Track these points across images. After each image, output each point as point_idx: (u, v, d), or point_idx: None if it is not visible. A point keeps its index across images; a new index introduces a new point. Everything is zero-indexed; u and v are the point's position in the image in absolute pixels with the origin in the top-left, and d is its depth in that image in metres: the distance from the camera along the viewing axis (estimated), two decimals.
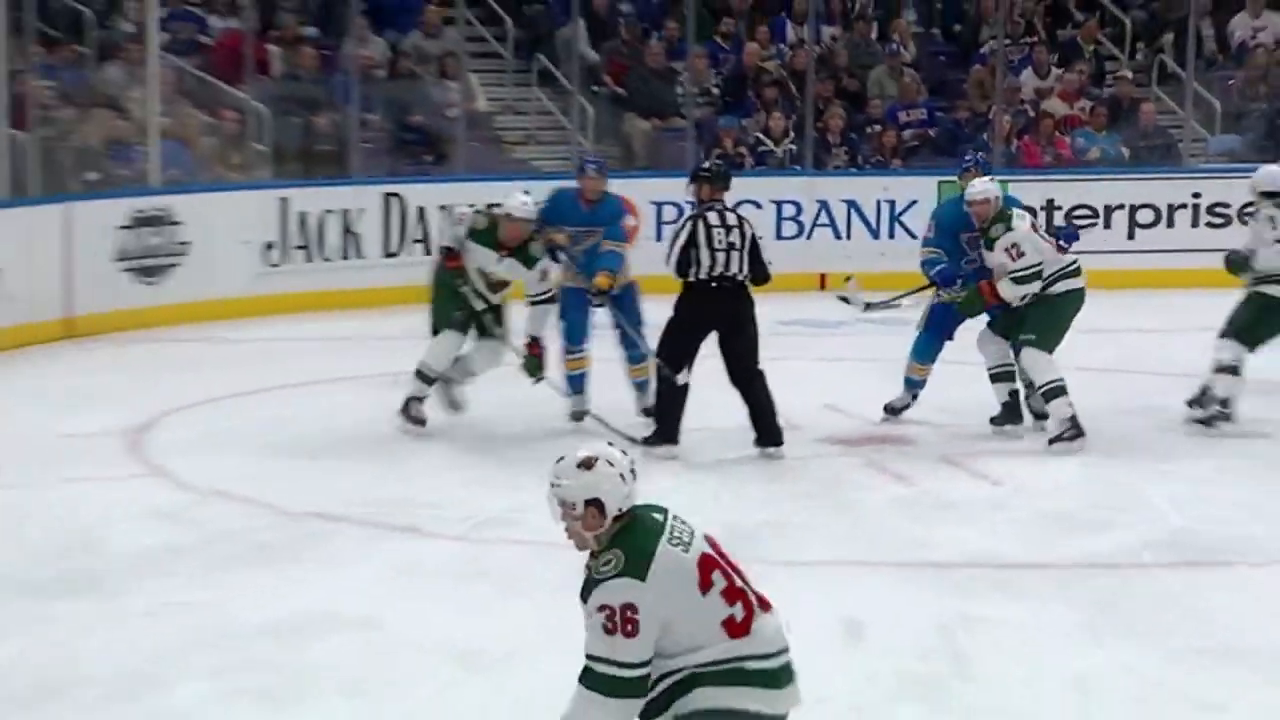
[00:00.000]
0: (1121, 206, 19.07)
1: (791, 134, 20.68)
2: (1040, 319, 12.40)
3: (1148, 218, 19.48)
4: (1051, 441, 12.40)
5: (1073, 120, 21.29)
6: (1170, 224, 19.33)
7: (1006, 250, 12.31)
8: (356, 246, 18.50)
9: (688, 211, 12.34)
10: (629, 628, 4.97)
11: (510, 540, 9.88)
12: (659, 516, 5.24)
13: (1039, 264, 12.31)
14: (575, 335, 13.07)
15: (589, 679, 5.05)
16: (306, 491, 11.17)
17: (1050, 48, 22.41)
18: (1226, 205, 19.58)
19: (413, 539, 9.89)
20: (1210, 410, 13.00)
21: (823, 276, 19.34)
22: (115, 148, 18.30)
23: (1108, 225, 18.83)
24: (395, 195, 18.80)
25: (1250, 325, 12.96)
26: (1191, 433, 12.81)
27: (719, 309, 11.83)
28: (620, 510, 5.16)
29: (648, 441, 11.77)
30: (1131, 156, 20.83)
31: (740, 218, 12.16)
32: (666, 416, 11.82)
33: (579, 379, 13.08)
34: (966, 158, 14.08)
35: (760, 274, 11.92)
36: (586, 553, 5.26)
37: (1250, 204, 13.89)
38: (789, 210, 19.45)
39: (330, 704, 7.59)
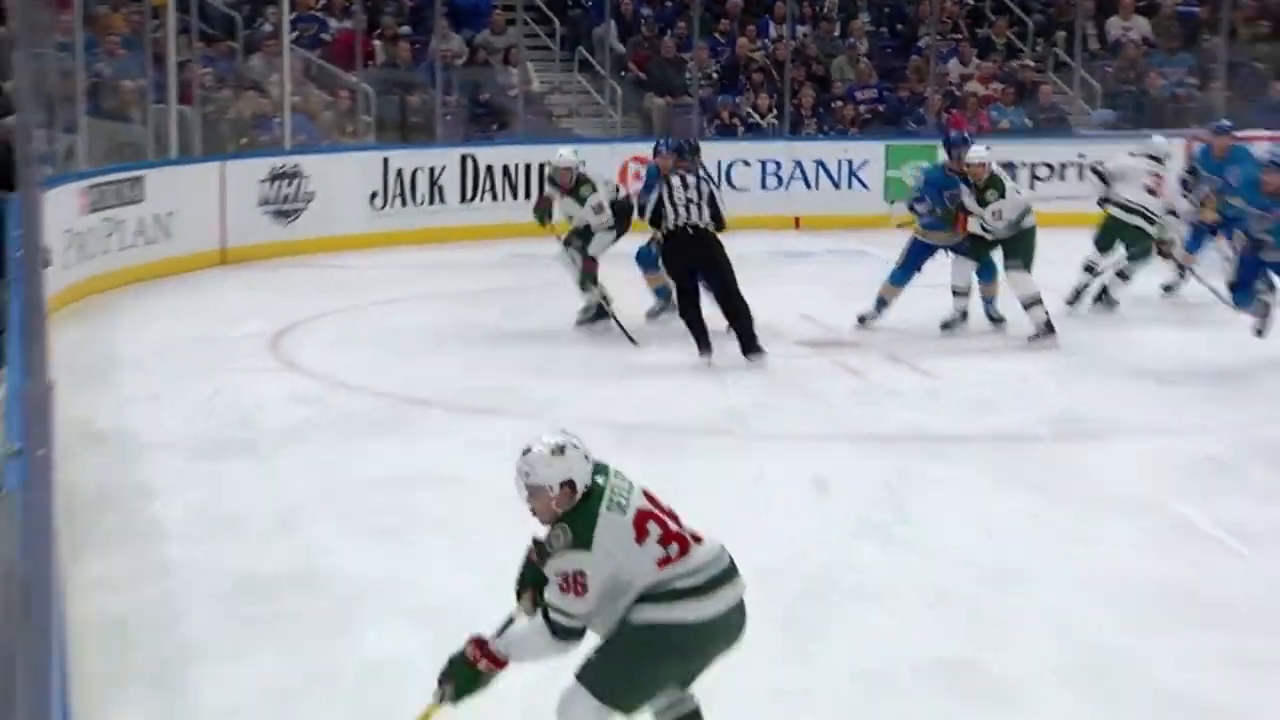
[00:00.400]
0: (1025, 164, 19.03)
1: (774, 109, 20.65)
2: (1019, 248, 12.57)
3: (1044, 173, 19.48)
4: (1031, 339, 12.47)
5: (988, 98, 21.26)
6: (1061, 178, 19.31)
7: (993, 212, 12.46)
8: (440, 195, 18.45)
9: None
10: (579, 589, 4.66)
11: (566, 418, 9.96)
12: (601, 482, 4.86)
13: (1005, 225, 12.52)
14: (647, 261, 13.14)
15: (546, 617, 4.76)
16: (407, 381, 11.22)
17: (971, 43, 22.26)
18: (1102, 163, 19.54)
19: (490, 417, 9.99)
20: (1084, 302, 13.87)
21: (797, 219, 19.41)
22: (258, 120, 18.31)
23: (1014, 179, 18.85)
24: (470, 156, 18.75)
25: (1101, 236, 13.92)
26: (1077, 334, 12.82)
27: (690, 251, 11.71)
28: (586, 486, 4.83)
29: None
30: (1033, 126, 20.85)
31: (699, 178, 12.04)
32: (699, 334, 11.64)
33: (661, 290, 13.06)
34: (953, 134, 14.33)
35: (717, 221, 11.78)
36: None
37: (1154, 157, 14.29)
38: (771, 167, 19.42)
39: (426, 539, 7.73)
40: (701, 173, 12.46)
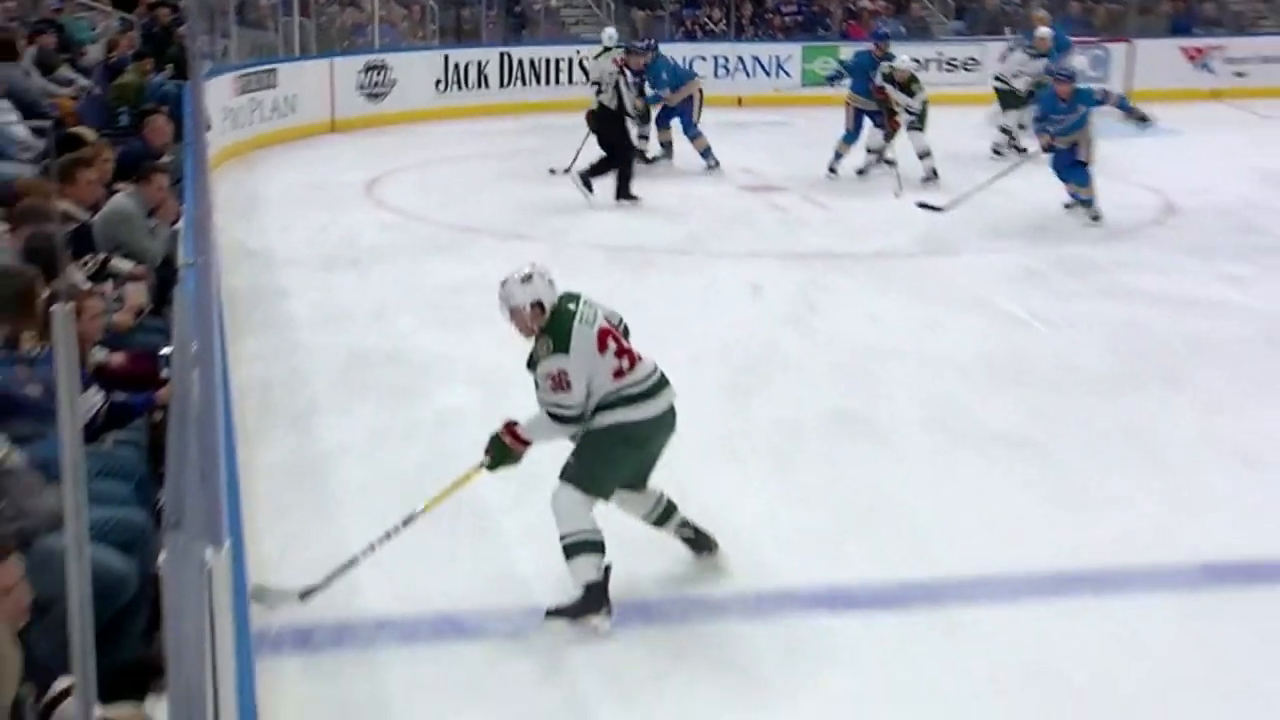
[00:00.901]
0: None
1: (724, 20, 20.31)
2: (920, 118, 12.61)
3: (914, 66, 19.16)
4: (923, 180, 12.42)
5: (876, 12, 20.86)
6: (925, 70, 19.02)
7: (915, 100, 12.53)
8: (485, 82, 18.17)
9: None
10: (565, 385, 4.37)
11: (573, 242, 9.95)
12: (573, 306, 4.53)
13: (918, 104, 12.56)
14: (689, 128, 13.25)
15: (545, 411, 4.47)
16: (462, 215, 11.07)
17: None
18: (955, 59, 19.35)
19: (521, 241, 9.92)
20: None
21: (739, 98, 19.04)
22: (356, 28, 18.00)
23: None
24: (506, 54, 18.42)
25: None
26: (936, 183, 12.75)
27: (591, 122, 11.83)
28: (554, 304, 4.53)
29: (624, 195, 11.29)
30: (906, 32, 20.40)
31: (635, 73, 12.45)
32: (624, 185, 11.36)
33: (706, 152, 13.09)
34: (881, 29, 14.47)
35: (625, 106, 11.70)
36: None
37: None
38: (722, 62, 18.99)
39: (477, 328, 7.57)
40: (630, 71, 12.38)
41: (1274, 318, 8.02)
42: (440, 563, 4.77)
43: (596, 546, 4.44)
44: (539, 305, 4.51)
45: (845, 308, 8.35)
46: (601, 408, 4.48)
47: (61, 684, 2.99)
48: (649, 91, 13.30)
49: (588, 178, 11.38)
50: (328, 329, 7.91)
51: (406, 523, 4.51)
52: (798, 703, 4.02)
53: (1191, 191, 12.08)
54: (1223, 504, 5.36)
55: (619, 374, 4.48)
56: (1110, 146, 14.66)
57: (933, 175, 12.55)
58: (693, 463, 5.46)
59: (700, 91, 13.52)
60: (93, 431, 4.52)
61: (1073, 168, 10.82)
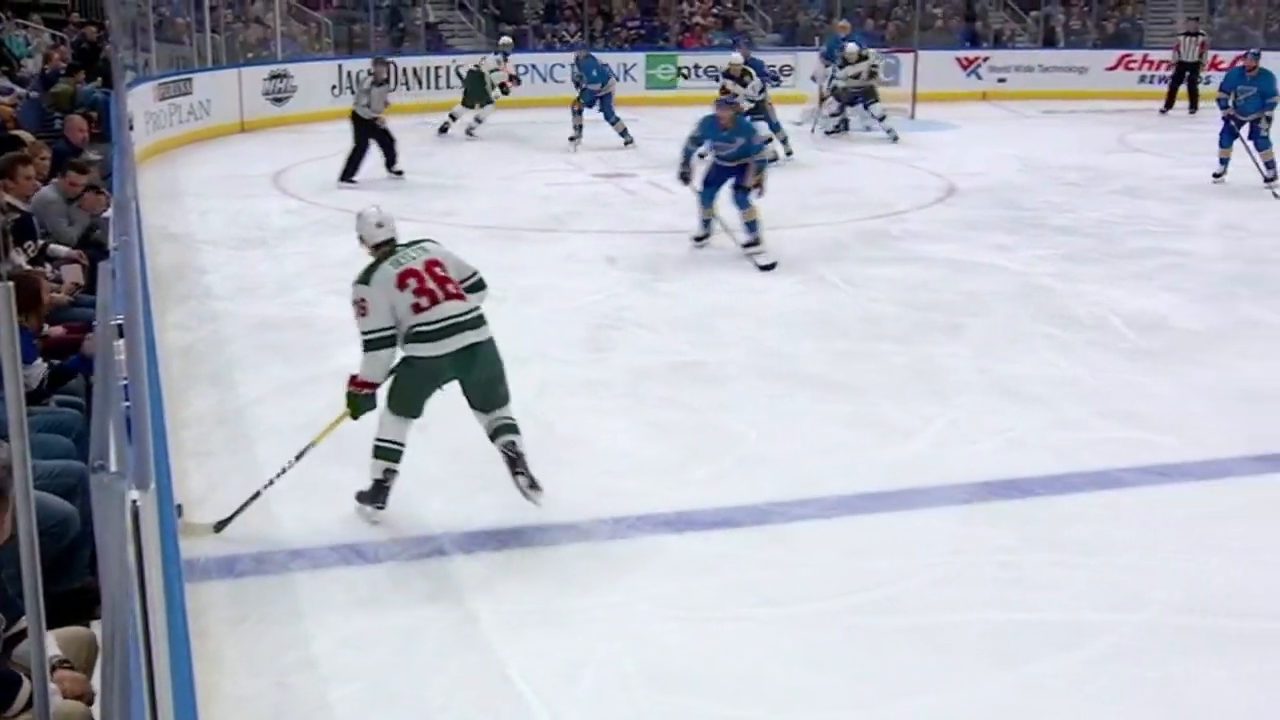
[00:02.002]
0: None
1: (579, 32, 20.01)
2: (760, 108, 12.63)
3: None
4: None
5: (707, 26, 20.83)
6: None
7: (751, 87, 12.51)
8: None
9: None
10: (362, 311, 4.37)
11: (456, 222, 9.75)
12: (401, 247, 4.51)
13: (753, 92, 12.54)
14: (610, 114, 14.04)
15: (362, 344, 4.44)
16: (356, 200, 10.65)
17: None
18: (773, 65, 19.32)
19: (411, 223, 9.73)
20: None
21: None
22: (261, 41, 17.44)
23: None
24: (392, 62, 17.87)
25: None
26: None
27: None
28: (376, 242, 4.53)
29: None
30: (732, 44, 20.33)
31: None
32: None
33: (624, 131, 13.89)
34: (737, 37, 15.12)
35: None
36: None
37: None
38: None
39: None
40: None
41: (1030, 278, 8.22)
42: (346, 499, 4.67)
43: (392, 455, 4.49)
44: (362, 240, 4.64)
45: (688, 276, 8.34)
46: (405, 340, 4.41)
47: (24, 623, 2.86)
48: (586, 86, 14.16)
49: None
50: (242, 299, 7.68)
51: (298, 458, 4.48)
52: (649, 605, 4.02)
53: (968, 175, 12.34)
54: (991, 431, 5.48)
55: (417, 309, 4.38)
56: (903, 140, 15.03)
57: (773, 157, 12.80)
58: (559, 403, 5.45)
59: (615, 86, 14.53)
60: (37, 394, 4.35)
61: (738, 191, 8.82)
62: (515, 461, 4.54)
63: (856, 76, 14.70)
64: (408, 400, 4.50)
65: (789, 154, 13.36)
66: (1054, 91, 20.04)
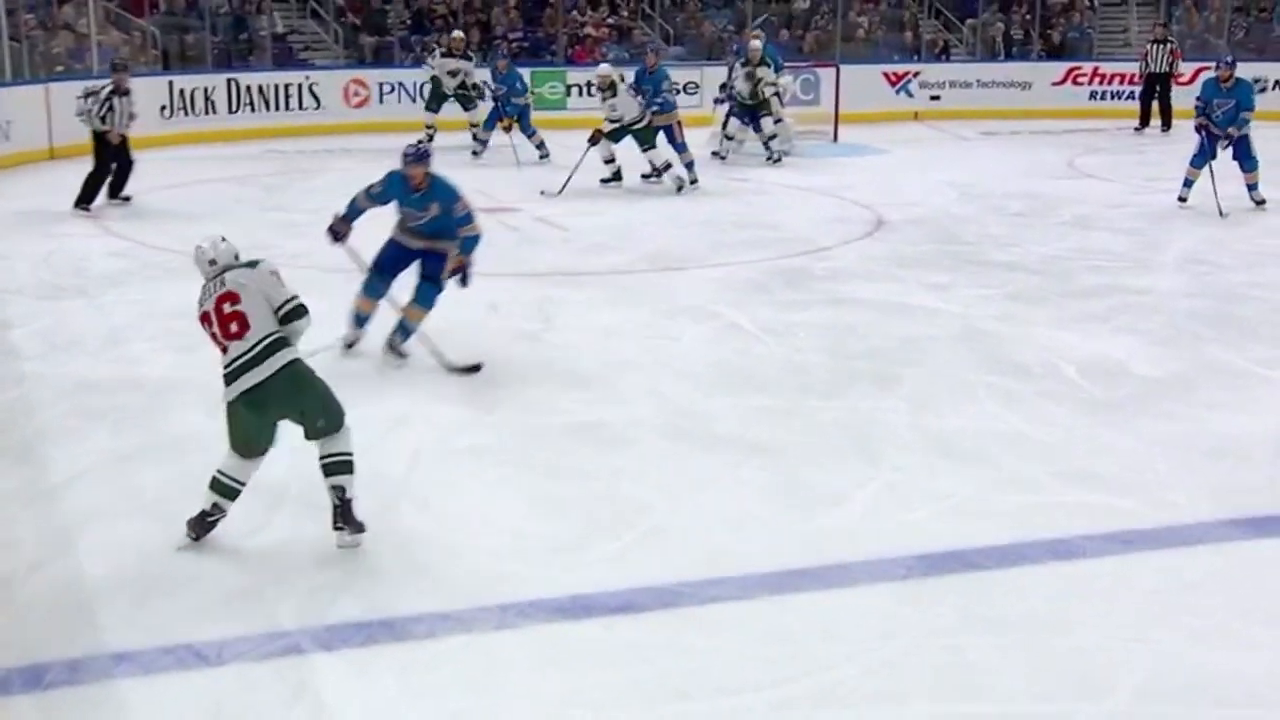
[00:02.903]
0: (625, 81, 19.04)
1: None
2: (642, 133, 13.43)
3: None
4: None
5: (600, 39, 21.12)
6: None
7: (610, 105, 13.30)
8: (212, 108, 17.63)
9: None
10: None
11: (310, 265, 9.70)
12: (211, 281, 4.97)
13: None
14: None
15: None
16: (193, 240, 10.73)
17: None
18: (677, 83, 19.67)
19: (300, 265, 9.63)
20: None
21: (469, 123, 19.08)
22: (72, 52, 17.25)
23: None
24: (233, 80, 17.94)
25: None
26: (662, 197, 13.01)
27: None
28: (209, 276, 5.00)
29: None
30: (630, 58, 20.64)
31: None
32: None
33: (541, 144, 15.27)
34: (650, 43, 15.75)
35: None
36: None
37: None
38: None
39: (212, 352, 7.47)
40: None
41: (971, 321, 8.42)
42: (183, 589, 4.58)
43: (225, 490, 4.89)
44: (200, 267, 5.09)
45: (582, 322, 8.40)
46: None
47: None
48: (516, 101, 15.20)
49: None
50: (56, 358, 7.53)
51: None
52: (542, 705, 4.01)
53: (899, 206, 12.66)
54: (930, 496, 5.56)
55: (223, 351, 4.88)
56: (825, 166, 15.35)
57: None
58: (435, 473, 5.42)
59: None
60: None
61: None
62: (338, 511, 4.85)
63: (754, 81, 15.07)
64: (236, 439, 4.90)
65: (694, 183, 13.59)
66: (994, 110, 20.66)
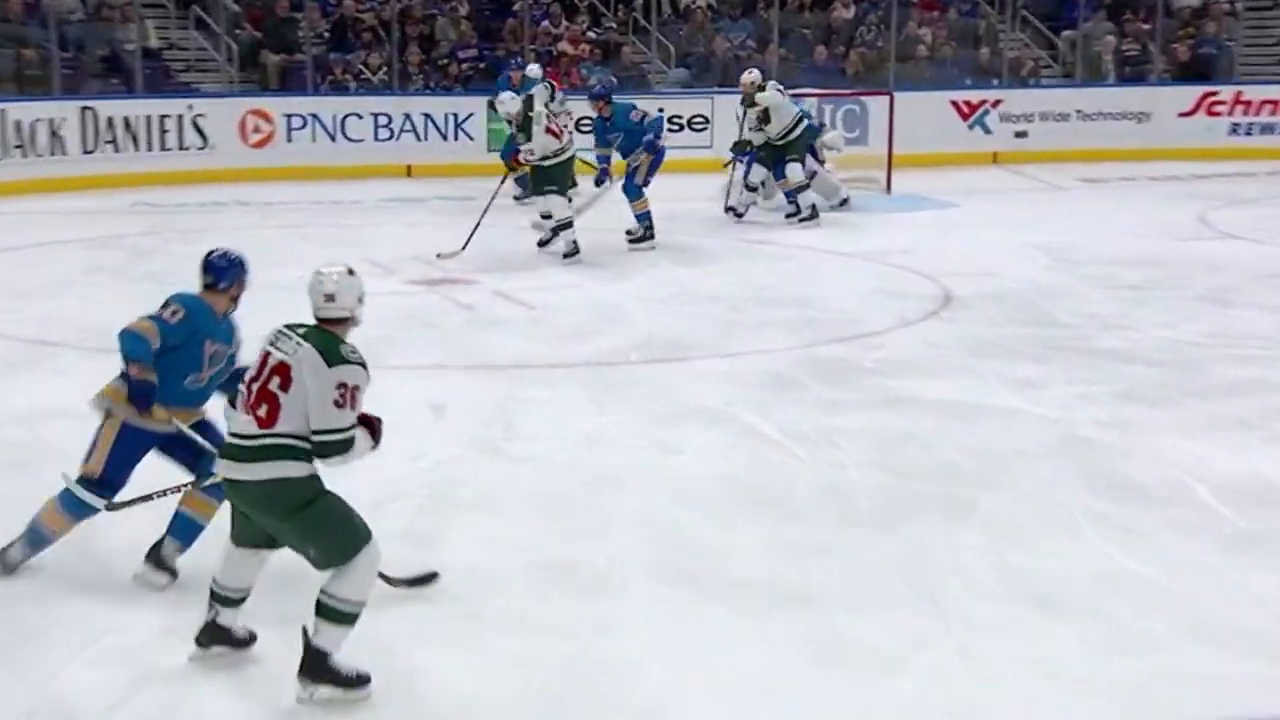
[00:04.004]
0: None
1: (384, 66, 20.45)
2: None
3: None
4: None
5: (578, 58, 21.41)
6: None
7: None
8: (61, 147, 17.83)
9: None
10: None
11: None
12: (289, 332, 5.24)
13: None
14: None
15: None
16: (40, 323, 10.91)
17: (561, 4, 22.30)
18: (680, 116, 20.00)
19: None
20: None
21: (409, 167, 19.40)
22: None
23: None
24: (90, 109, 18.16)
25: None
26: (659, 266, 13.14)
27: None
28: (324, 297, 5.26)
29: None
30: (618, 83, 20.86)
31: None
32: None
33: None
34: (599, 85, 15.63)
35: None
36: None
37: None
38: (383, 120, 19.33)
39: (57, 468, 7.47)
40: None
41: (1069, 428, 8.47)
42: None
43: (212, 594, 5.39)
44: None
45: (552, 428, 8.45)
46: None
47: None
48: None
49: None
50: None
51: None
52: None
53: (970, 276, 12.78)
54: (1017, 660, 5.55)
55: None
56: (875, 224, 15.48)
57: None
58: (365, 627, 5.41)
59: None
60: None
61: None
62: (303, 657, 5.10)
63: (765, 122, 15.46)
64: (232, 525, 5.34)
65: (647, 237, 13.91)
66: (1100, 150, 20.83)
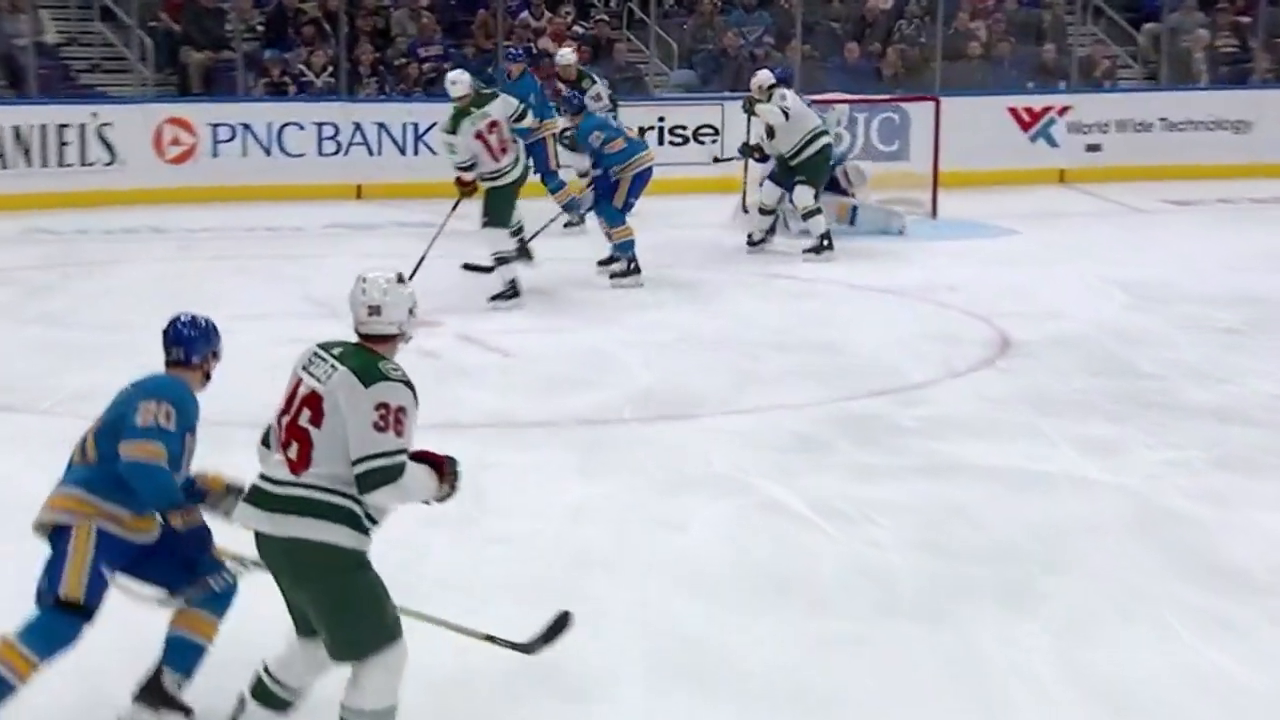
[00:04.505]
0: None
1: (329, 66, 20.46)
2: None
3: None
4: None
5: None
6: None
7: None
8: None
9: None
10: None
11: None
12: (325, 354, 5.35)
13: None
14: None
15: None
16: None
17: None
18: (684, 127, 20.07)
19: (9, 413, 9.68)
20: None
21: (359, 187, 19.42)
22: None
23: None
24: None
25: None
26: (658, 305, 13.20)
27: None
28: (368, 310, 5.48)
29: None
30: (610, 87, 20.80)
31: None
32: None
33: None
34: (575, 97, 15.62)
35: None
36: None
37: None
38: (328, 131, 19.28)
39: None
40: None
41: (1152, 500, 8.50)
42: None
43: (255, 686, 5.46)
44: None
45: (531, 499, 8.47)
46: None
47: None
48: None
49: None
50: None
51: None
52: None
53: (1033, 317, 12.83)
54: None
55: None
56: (918, 255, 15.51)
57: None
58: None
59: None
60: None
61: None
62: None
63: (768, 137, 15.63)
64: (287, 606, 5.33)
65: (631, 272, 14.19)
66: (1189, 166, 20.84)
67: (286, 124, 19.06)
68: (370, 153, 19.52)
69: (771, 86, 15.51)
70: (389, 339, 5.35)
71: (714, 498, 8.48)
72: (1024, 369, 11.36)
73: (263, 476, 5.20)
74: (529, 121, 14.31)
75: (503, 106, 13.67)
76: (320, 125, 19.36)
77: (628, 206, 14.15)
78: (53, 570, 5.62)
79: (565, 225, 15.90)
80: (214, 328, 6.22)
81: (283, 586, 5.24)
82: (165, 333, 6.13)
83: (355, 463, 5.03)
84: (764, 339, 12.18)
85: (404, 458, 5.11)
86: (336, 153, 19.35)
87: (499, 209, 13.52)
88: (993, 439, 9.60)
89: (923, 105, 18.97)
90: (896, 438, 9.63)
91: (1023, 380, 11.02)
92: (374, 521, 5.21)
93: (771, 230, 15.92)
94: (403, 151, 19.58)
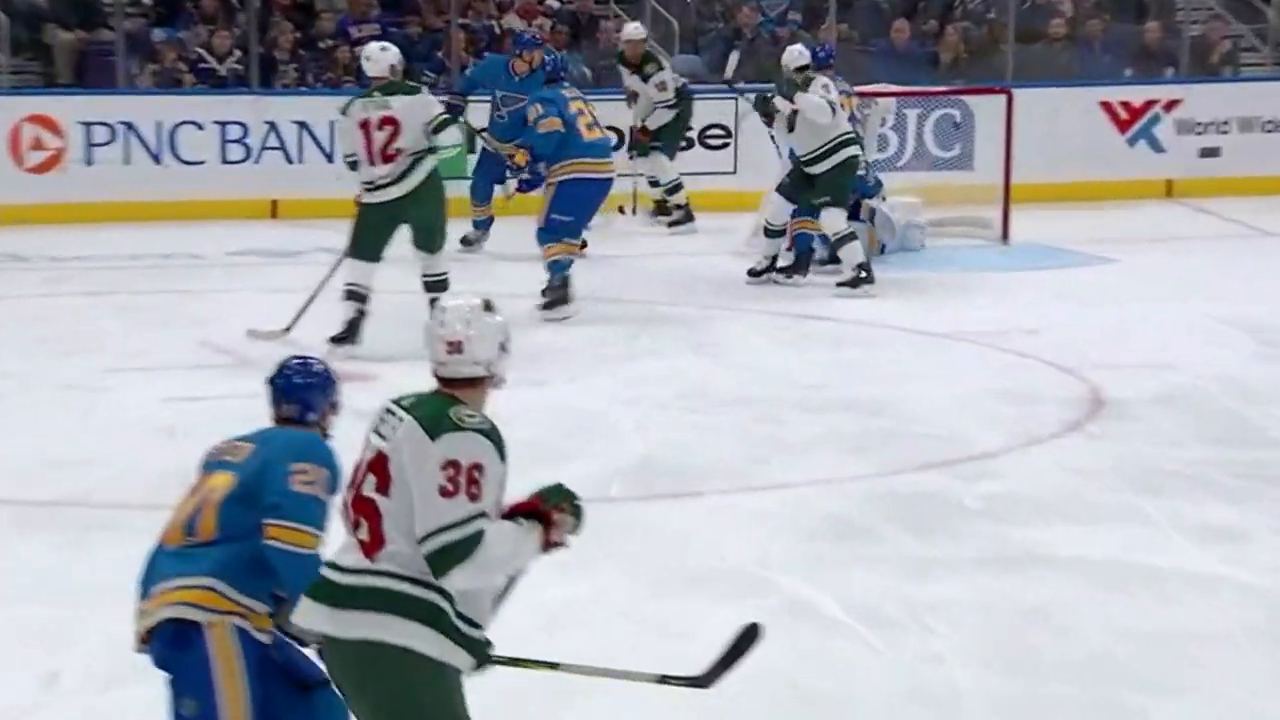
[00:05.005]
0: None
1: (236, 50, 20.49)
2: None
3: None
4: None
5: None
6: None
7: None
8: None
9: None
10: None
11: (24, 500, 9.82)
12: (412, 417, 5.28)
13: None
14: None
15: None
16: None
17: None
18: (687, 126, 20.15)
19: None
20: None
21: (274, 203, 19.39)
22: None
23: None
24: None
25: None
26: (657, 352, 13.24)
27: None
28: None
29: None
30: (593, 77, 20.87)
31: None
32: None
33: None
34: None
35: None
36: None
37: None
38: (235, 132, 19.32)
39: None
40: None
41: None
42: None
43: None
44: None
45: (509, 601, 8.46)
46: None
47: None
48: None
49: None
50: None
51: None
52: None
53: (1133, 369, 12.91)
54: None
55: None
56: (984, 288, 15.56)
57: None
58: None
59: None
60: None
61: None
62: None
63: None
64: None
65: (557, 302, 14.38)
66: None
67: (181, 123, 19.06)
68: (288, 160, 19.56)
69: (805, 68, 15.42)
70: (475, 383, 5.36)
71: (726, 597, 8.46)
72: (1121, 434, 11.43)
73: (330, 564, 5.20)
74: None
75: (418, 109, 13.41)
76: (224, 125, 19.38)
77: (556, 225, 14.29)
78: (188, 692, 5.52)
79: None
80: (331, 374, 6.24)
81: (354, 710, 5.24)
82: (272, 383, 6.09)
83: (421, 540, 4.97)
84: (789, 396, 12.21)
85: (480, 525, 5.08)
86: (245, 159, 19.39)
87: (362, 234, 13.58)
88: (1081, 523, 9.65)
89: (991, 99, 19.06)
90: (958, 522, 9.69)
91: (1120, 449, 11.08)
92: (470, 622, 5.22)
93: (774, 263, 15.89)
94: (330, 158, 19.51)
